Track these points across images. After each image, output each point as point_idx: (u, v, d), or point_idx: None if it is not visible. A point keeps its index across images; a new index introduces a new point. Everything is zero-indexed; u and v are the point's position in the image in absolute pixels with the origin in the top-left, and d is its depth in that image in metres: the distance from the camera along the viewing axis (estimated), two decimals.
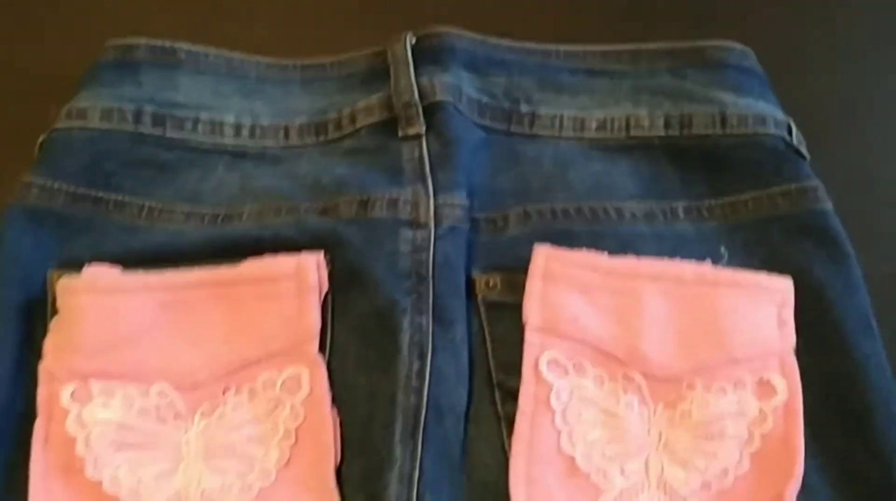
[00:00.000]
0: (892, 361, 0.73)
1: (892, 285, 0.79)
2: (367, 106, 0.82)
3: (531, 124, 0.83)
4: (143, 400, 0.69)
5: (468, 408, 0.72)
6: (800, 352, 0.72)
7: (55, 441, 0.69)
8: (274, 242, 0.75)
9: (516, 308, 0.73)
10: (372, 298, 0.73)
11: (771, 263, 0.75)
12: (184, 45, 0.85)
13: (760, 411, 0.70)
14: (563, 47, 0.87)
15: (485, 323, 0.74)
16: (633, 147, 0.82)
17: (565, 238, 0.75)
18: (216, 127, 0.82)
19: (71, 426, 0.68)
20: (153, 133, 0.81)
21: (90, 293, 0.71)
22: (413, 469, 0.68)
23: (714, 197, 0.79)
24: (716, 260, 0.75)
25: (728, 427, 0.70)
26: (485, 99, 0.83)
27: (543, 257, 0.74)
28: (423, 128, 0.80)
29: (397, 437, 0.69)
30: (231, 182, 0.80)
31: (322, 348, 0.72)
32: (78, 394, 0.69)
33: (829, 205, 0.78)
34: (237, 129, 0.83)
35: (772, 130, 0.80)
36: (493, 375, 0.73)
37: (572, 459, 0.69)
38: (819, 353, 0.73)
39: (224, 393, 0.71)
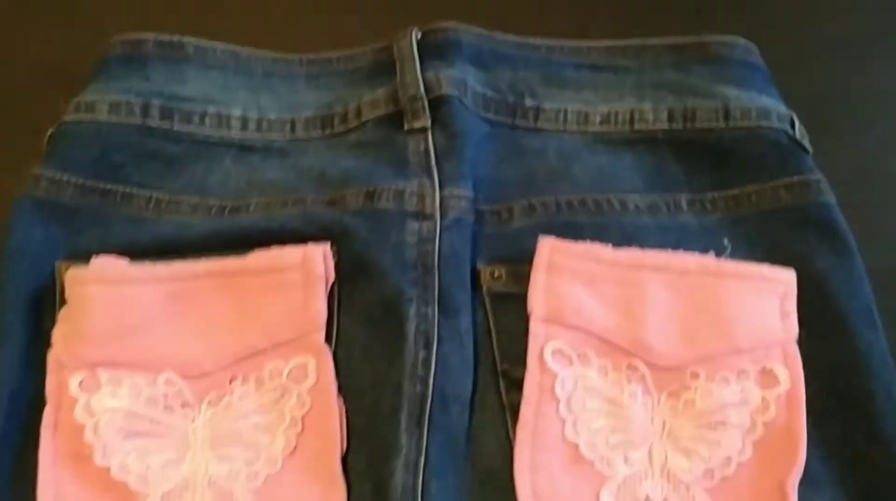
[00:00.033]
0: (895, 351, 0.73)
1: (894, 277, 0.79)
2: (372, 100, 0.83)
3: (535, 118, 0.84)
4: (151, 389, 0.70)
5: (473, 397, 0.72)
6: (802, 342, 0.73)
7: (64, 428, 0.69)
8: (281, 233, 0.75)
9: (521, 299, 0.73)
10: (378, 288, 0.74)
11: (774, 255, 0.76)
12: (191, 40, 0.86)
13: (763, 400, 0.71)
14: (567, 43, 0.87)
15: (490, 314, 0.75)
16: (636, 141, 0.82)
17: (569, 230, 0.76)
18: (223, 120, 0.83)
19: (79, 414, 0.69)
20: (161, 126, 0.81)
21: (98, 284, 0.72)
22: (419, 456, 0.69)
23: (717, 190, 0.80)
24: (719, 252, 0.76)
25: (731, 416, 0.70)
26: (490, 93, 0.84)
27: (548, 248, 0.74)
28: (429, 121, 0.81)
29: (403, 425, 0.69)
30: (238, 175, 0.81)
31: (328, 337, 0.73)
32: (86, 383, 0.69)
33: (831, 198, 0.78)
34: (244, 122, 0.83)
35: (775, 123, 0.81)
36: (498, 364, 0.73)
37: (576, 447, 0.70)
38: (821, 343, 0.73)
39: (231, 382, 0.71)
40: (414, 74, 0.82)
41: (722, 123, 0.81)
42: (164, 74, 0.84)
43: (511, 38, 0.87)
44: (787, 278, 0.74)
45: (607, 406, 0.71)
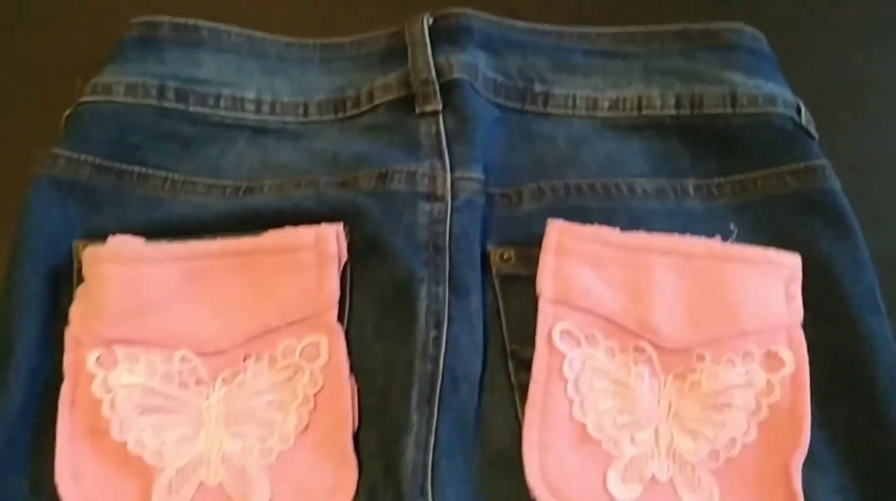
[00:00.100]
0: None
1: None
2: (385, 84, 0.84)
3: (545, 103, 0.84)
4: (167, 366, 0.71)
5: (482, 377, 0.73)
6: (807, 326, 0.74)
7: (81, 404, 0.70)
8: (294, 213, 0.76)
9: (530, 281, 0.74)
10: (390, 268, 0.75)
11: (779, 240, 0.76)
12: (206, 24, 0.87)
13: (768, 382, 0.71)
14: (576, 29, 0.88)
15: (499, 295, 0.75)
16: (644, 126, 0.83)
17: (578, 214, 0.76)
18: (237, 103, 0.84)
19: (97, 389, 0.69)
20: (176, 108, 0.82)
21: (115, 262, 0.72)
22: (429, 435, 0.70)
23: (724, 175, 0.81)
24: (725, 237, 0.76)
25: (736, 398, 0.71)
26: (500, 78, 0.85)
27: (557, 231, 0.75)
28: (440, 105, 0.81)
29: (414, 404, 0.70)
30: (252, 156, 0.82)
31: (341, 317, 0.73)
32: (103, 360, 0.70)
33: (836, 183, 0.79)
34: (258, 105, 0.84)
35: (781, 110, 0.81)
36: (507, 345, 0.74)
37: (584, 427, 0.70)
38: (826, 327, 0.74)
39: (245, 360, 0.72)
40: (425, 59, 0.83)
41: (729, 110, 0.82)
42: (180, 56, 0.85)
43: (521, 24, 0.88)
44: (792, 262, 0.75)
45: (614, 387, 0.72)
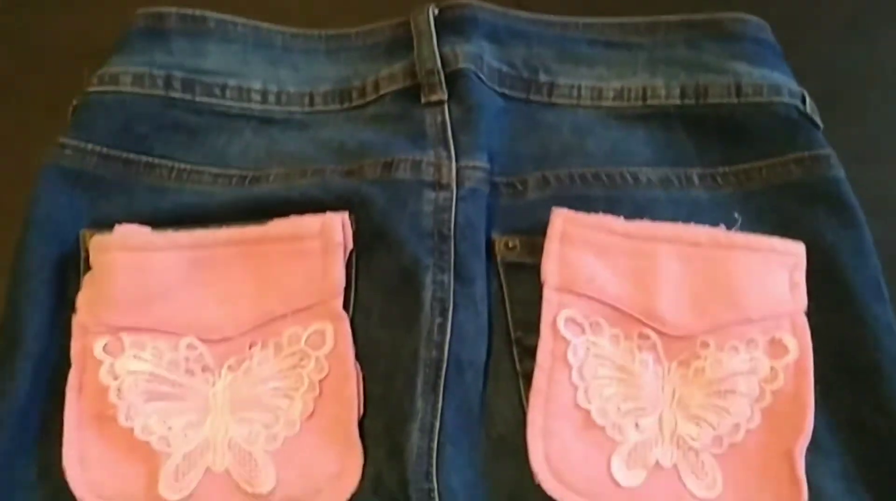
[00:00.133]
0: None
1: None
2: (390, 74, 0.84)
3: (550, 93, 0.85)
4: (173, 353, 0.71)
5: (487, 364, 0.73)
6: (811, 314, 0.74)
7: (88, 390, 0.71)
8: (300, 202, 0.76)
9: (535, 269, 0.74)
10: (396, 256, 0.75)
11: (784, 228, 0.77)
12: (213, 15, 0.87)
13: (772, 369, 0.72)
14: (581, 19, 0.88)
15: (504, 283, 0.76)
16: (649, 116, 0.83)
17: (583, 203, 0.77)
18: (243, 93, 0.84)
19: (104, 376, 0.70)
20: (183, 98, 0.83)
21: (122, 250, 0.73)
22: (434, 421, 0.70)
23: (728, 164, 0.81)
24: (730, 225, 0.76)
25: (740, 384, 0.71)
26: (505, 68, 0.85)
27: (561, 219, 0.75)
28: (446, 95, 0.82)
29: (419, 390, 0.71)
30: (258, 146, 0.82)
31: (346, 304, 0.74)
32: (110, 347, 0.71)
33: (841, 172, 0.79)
34: (264, 95, 0.84)
35: (786, 99, 0.82)
36: (512, 333, 0.74)
37: (588, 413, 0.71)
38: (830, 315, 0.74)
39: (250, 348, 0.73)
40: (431, 49, 0.83)
41: (733, 99, 0.82)
42: (186, 47, 0.85)
43: (526, 14, 0.88)
44: (796, 250, 0.75)
45: (619, 374, 0.72)
